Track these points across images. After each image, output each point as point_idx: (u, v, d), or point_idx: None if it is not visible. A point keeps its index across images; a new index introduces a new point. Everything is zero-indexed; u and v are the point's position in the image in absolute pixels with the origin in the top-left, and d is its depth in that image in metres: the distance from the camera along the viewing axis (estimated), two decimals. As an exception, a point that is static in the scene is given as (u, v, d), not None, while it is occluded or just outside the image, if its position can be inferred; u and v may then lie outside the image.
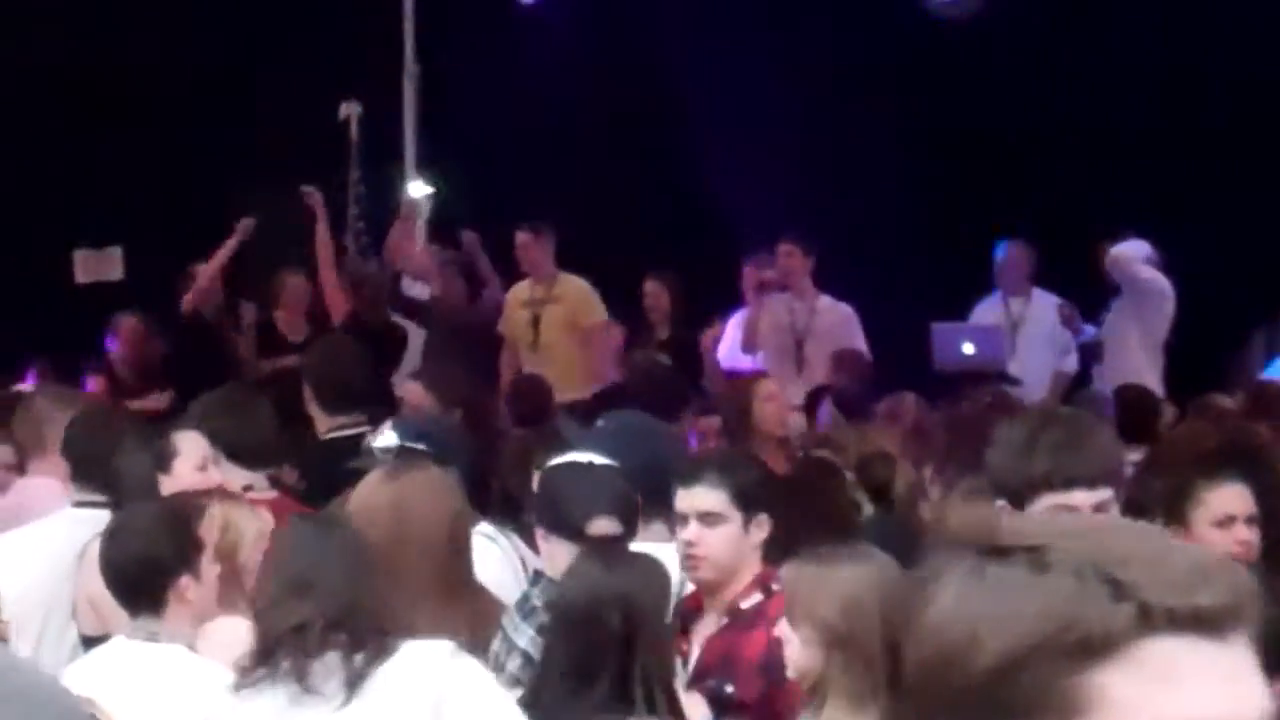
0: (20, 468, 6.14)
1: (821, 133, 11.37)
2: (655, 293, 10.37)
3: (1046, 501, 3.40)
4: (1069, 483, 3.39)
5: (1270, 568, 3.90)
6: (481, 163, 11.60)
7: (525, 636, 4.14)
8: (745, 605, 4.26)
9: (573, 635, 3.74)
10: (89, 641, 4.67)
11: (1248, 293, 10.39)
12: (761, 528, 4.31)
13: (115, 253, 12.07)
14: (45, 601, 5.04)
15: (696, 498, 4.29)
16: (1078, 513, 3.38)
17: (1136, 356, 10.01)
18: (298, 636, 3.59)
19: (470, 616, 4.24)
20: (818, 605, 3.62)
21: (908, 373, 9.17)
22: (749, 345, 10.10)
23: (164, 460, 5.13)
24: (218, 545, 4.22)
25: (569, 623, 3.77)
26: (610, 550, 4.01)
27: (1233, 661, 1.24)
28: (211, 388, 6.04)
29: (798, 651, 3.66)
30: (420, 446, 4.94)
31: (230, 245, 10.48)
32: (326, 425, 6.43)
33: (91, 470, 5.32)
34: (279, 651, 3.59)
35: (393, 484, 4.41)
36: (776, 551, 4.21)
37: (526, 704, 3.80)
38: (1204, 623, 1.23)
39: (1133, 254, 10.11)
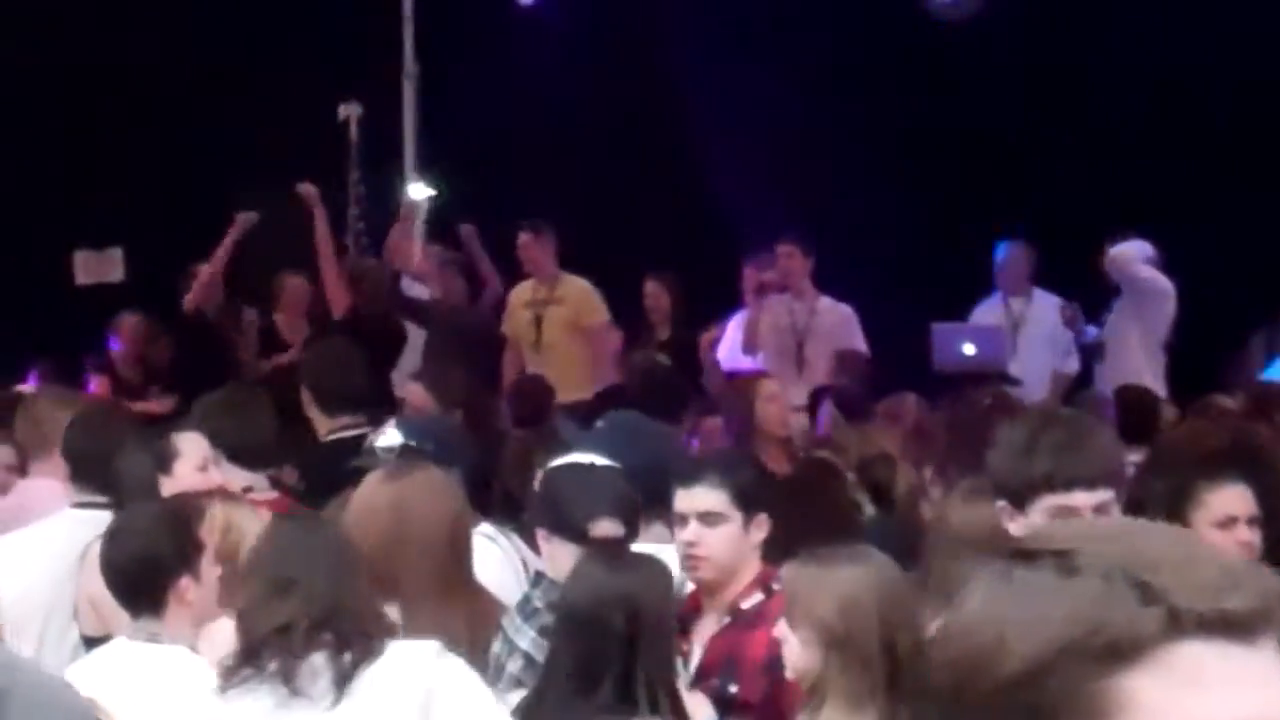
0: (22, 469, 6.14)
1: (822, 133, 11.37)
2: (655, 293, 10.37)
3: (1047, 502, 3.40)
4: (1069, 484, 3.39)
5: (1272, 569, 3.90)
6: (481, 163, 11.60)
7: (527, 638, 4.14)
8: (747, 605, 4.26)
9: (577, 636, 3.74)
10: (90, 642, 4.67)
11: (1248, 293, 10.39)
12: (761, 527, 4.32)
13: (116, 254, 12.07)
14: (46, 602, 5.05)
15: (697, 498, 4.29)
16: (1100, 516, 3.38)
17: (1137, 357, 10.01)
18: (283, 637, 3.58)
19: (470, 617, 4.24)
20: (816, 605, 3.62)
21: (908, 373, 9.17)
22: (749, 347, 10.09)
23: (165, 461, 5.13)
24: (218, 546, 4.22)
25: (573, 624, 3.77)
26: (614, 551, 4.01)
27: (1263, 666, 1.23)
28: (214, 389, 6.04)
29: (796, 652, 3.66)
30: (424, 446, 4.94)
31: (230, 240, 10.47)
32: (327, 427, 6.44)
33: (91, 471, 5.32)
34: (264, 652, 3.59)
35: (393, 485, 4.41)
36: (777, 552, 4.21)
37: (530, 705, 3.80)
38: (1233, 627, 1.23)
39: (1132, 254, 10.11)
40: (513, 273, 10.59)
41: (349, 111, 11.27)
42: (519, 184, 11.53)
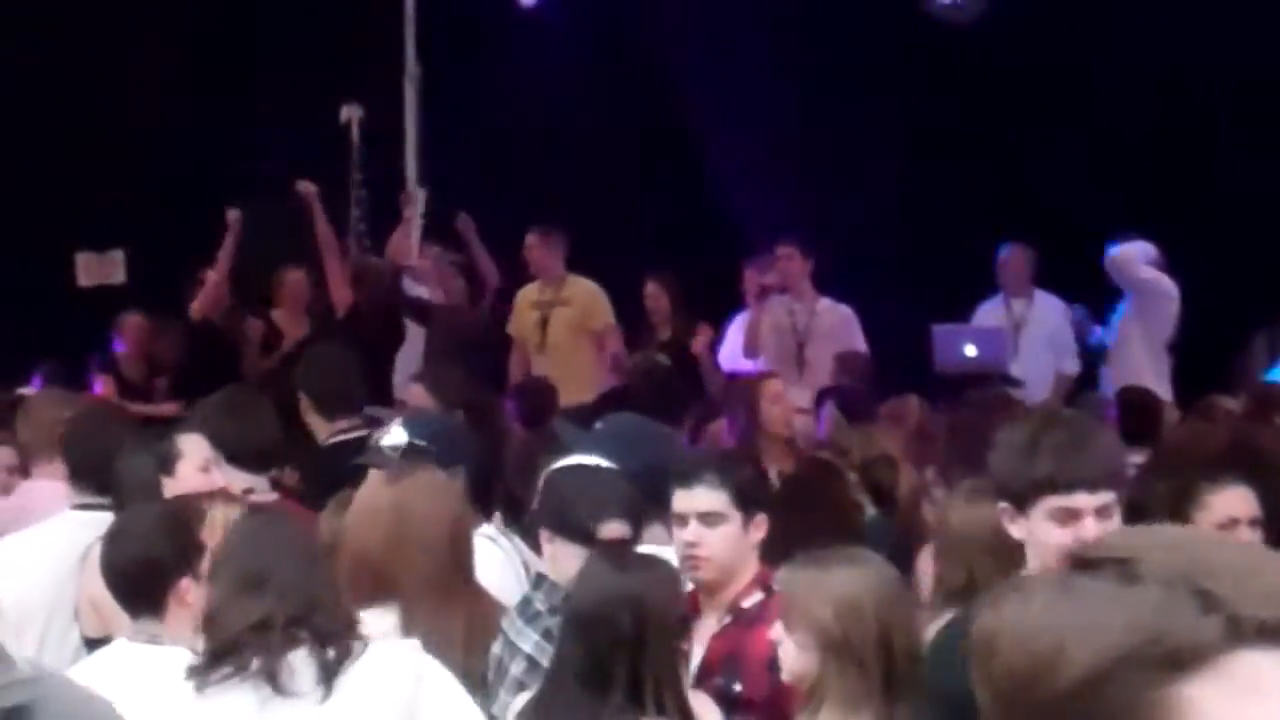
0: (24, 470, 6.15)
1: (823, 134, 11.38)
2: (655, 294, 10.37)
3: (1049, 504, 3.40)
4: (1071, 485, 3.39)
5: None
6: (483, 165, 11.60)
7: (530, 641, 4.14)
8: (747, 604, 4.26)
9: (584, 637, 3.74)
10: (91, 644, 4.67)
11: (1251, 293, 10.38)
12: (760, 527, 4.32)
13: (117, 256, 12.07)
14: (48, 603, 5.05)
15: (697, 498, 4.29)
16: (1102, 518, 3.37)
17: (1142, 359, 10.00)
18: (260, 634, 3.57)
19: (469, 618, 4.24)
20: (813, 608, 3.61)
21: (909, 374, 9.17)
22: (750, 349, 10.09)
23: (167, 462, 5.12)
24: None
25: (580, 625, 3.76)
26: (621, 552, 4.01)
27: None
28: (222, 395, 6.03)
29: (792, 655, 3.65)
30: (429, 446, 4.94)
31: (230, 243, 10.49)
32: (327, 432, 6.43)
33: (90, 472, 5.32)
34: (244, 650, 3.57)
35: (394, 486, 4.41)
36: (778, 553, 4.21)
37: (537, 706, 3.80)
38: None
39: (1133, 255, 10.10)
40: (516, 274, 10.59)
41: (350, 113, 11.26)
42: (520, 185, 11.53)
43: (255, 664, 3.56)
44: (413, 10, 11.61)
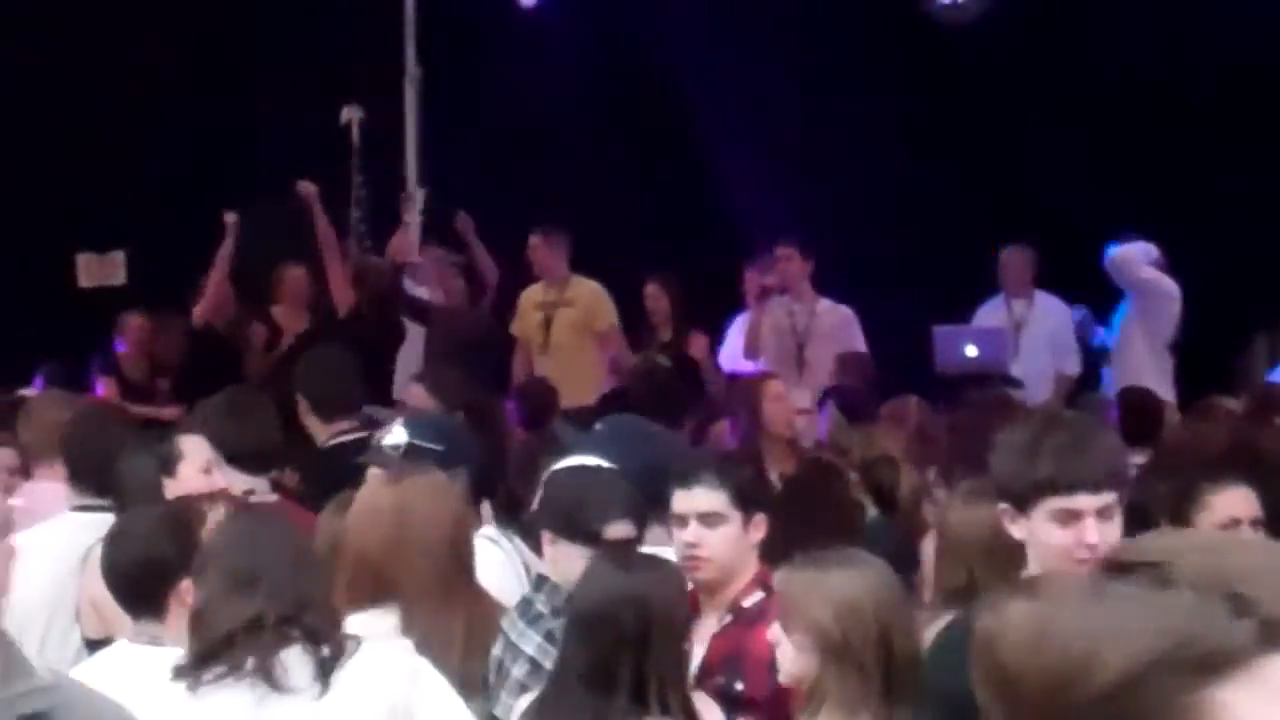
0: (25, 471, 6.14)
1: (823, 134, 11.38)
2: (655, 295, 10.37)
3: (1050, 505, 3.40)
4: (1073, 486, 3.38)
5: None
6: (483, 166, 11.60)
7: (532, 643, 4.14)
8: (747, 604, 4.27)
9: (589, 637, 3.74)
10: (92, 645, 4.67)
11: (1251, 294, 10.38)
12: (759, 527, 4.33)
13: (118, 257, 12.07)
14: (49, 605, 5.04)
15: (697, 499, 4.29)
16: (1103, 520, 3.37)
17: (1144, 359, 10.00)
18: (253, 633, 3.57)
19: (469, 620, 4.24)
20: (812, 610, 3.59)
21: (910, 375, 9.17)
22: (751, 351, 10.08)
23: (168, 464, 5.12)
24: (219, 549, 4.21)
25: (585, 625, 3.76)
26: (625, 552, 4.01)
27: None
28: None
29: (790, 657, 3.64)
30: (431, 446, 4.93)
31: (228, 246, 10.48)
32: (326, 434, 6.43)
33: (89, 473, 5.32)
34: (237, 649, 3.57)
35: (395, 487, 4.41)
36: (779, 553, 4.21)
37: (541, 706, 3.79)
38: None
39: (1133, 256, 10.10)
40: (516, 274, 10.58)
41: (351, 114, 11.26)
42: (520, 185, 11.53)
43: (250, 663, 3.56)
44: (413, 11, 11.61)
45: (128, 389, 10.59)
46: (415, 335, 10.29)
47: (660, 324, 10.35)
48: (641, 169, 11.99)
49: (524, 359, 10.26)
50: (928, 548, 5.13)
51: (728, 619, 4.27)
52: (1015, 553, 3.55)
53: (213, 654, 3.59)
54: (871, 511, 6.09)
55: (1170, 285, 10.10)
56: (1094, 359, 10.53)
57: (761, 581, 4.25)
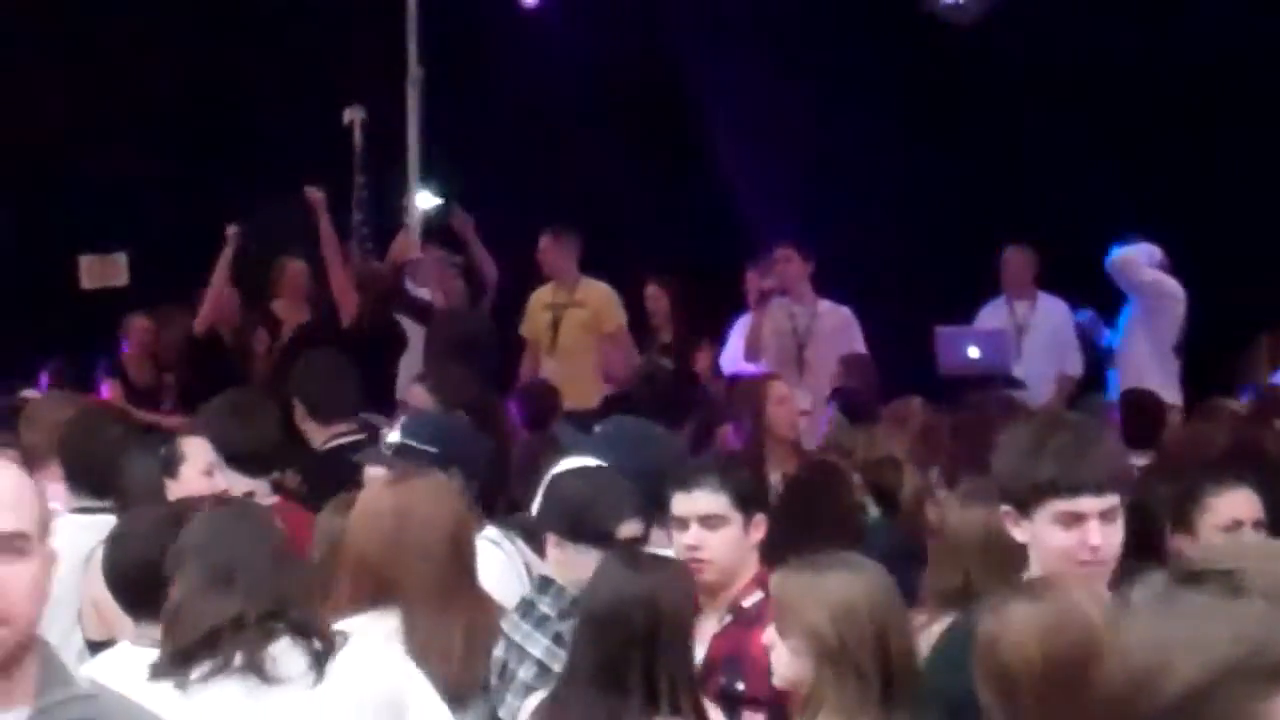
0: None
1: (825, 136, 11.38)
2: (656, 296, 10.36)
3: (1053, 507, 3.40)
4: (1075, 489, 3.38)
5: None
6: (486, 167, 11.60)
7: (540, 646, 4.13)
8: (747, 603, 4.27)
9: (599, 637, 3.73)
10: (94, 646, 4.66)
11: (1254, 296, 10.37)
12: (759, 528, 4.33)
13: (120, 258, 12.07)
14: (50, 606, 5.03)
15: (698, 502, 4.29)
16: (1109, 521, 3.36)
17: (1148, 361, 9.99)
18: (237, 630, 3.56)
19: (470, 622, 4.23)
20: (808, 613, 3.58)
21: (912, 377, 9.17)
22: (752, 353, 10.07)
23: (170, 465, 5.12)
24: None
25: (595, 626, 3.75)
26: (634, 553, 4.01)
27: None
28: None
29: (785, 660, 3.62)
30: (424, 446, 4.93)
31: (227, 256, 10.45)
32: (323, 437, 6.43)
33: (85, 475, 5.31)
34: (223, 645, 3.56)
35: (396, 489, 4.40)
36: (781, 554, 4.21)
37: (552, 705, 3.79)
38: None
39: (1136, 258, 10.09)
40: (517, 274, 10.58)
41: (353, 116, 11.27)
42: (523, 187, 11.53)
43: (238, 658, 3.55)
44: (415, 12, 11.61)
45: (133, 392, 10.59)
46: (416, 336, 10.29)
47: (660, 325, 10.34)
48: (643, 169, 11.99)
49: (532, 360, 10.23)
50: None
51: (728, 619, 4.27)
52: (1012, 554, 3.55)
53: (193, 651, 3.58)
54: (874, 512, 6.08)
55: (1174, 287, 10.08)
56: (1101, 361, 10.52)
57: (761, 582, 4.25)
